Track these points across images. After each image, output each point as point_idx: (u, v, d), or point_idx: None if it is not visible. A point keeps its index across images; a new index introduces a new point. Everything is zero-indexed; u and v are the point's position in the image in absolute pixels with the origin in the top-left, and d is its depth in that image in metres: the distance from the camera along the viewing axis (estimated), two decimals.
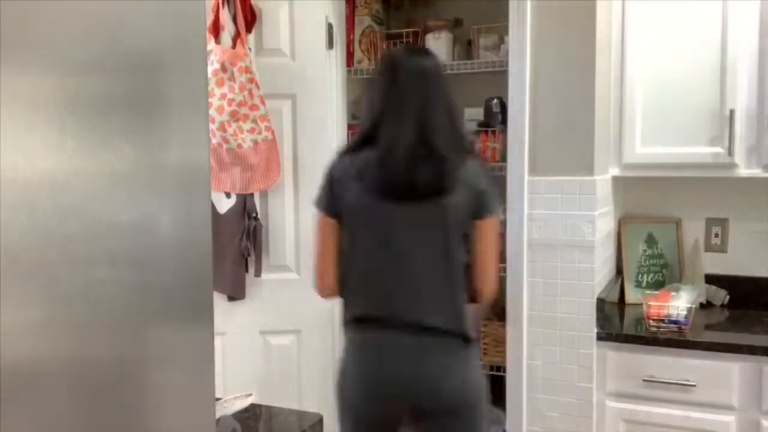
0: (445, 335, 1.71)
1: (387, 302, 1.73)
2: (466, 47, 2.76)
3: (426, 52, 1.88)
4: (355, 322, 1.77)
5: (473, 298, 1.75)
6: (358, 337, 1.78)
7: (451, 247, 1.70)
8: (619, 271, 2.64)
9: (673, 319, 2.18)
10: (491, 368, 2.59)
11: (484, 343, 2.58)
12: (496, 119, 2.55)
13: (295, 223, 2.46)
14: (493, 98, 2.58)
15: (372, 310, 1.75)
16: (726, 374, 2.08)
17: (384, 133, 1.72)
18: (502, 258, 2.45)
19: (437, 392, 1.70)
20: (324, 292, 1.85)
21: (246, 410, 1.53)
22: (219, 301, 2.41)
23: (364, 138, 1.77)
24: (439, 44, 2.67)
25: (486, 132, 2.59)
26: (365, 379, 1.73)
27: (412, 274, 1.71)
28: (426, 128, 1.70)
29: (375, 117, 1.75)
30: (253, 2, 2.37)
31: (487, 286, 1.75)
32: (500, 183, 2.37)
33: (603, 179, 2.30)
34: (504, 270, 2.36)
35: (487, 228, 1.73)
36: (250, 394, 1.55)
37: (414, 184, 1.67)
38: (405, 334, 1.71)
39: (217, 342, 2.42)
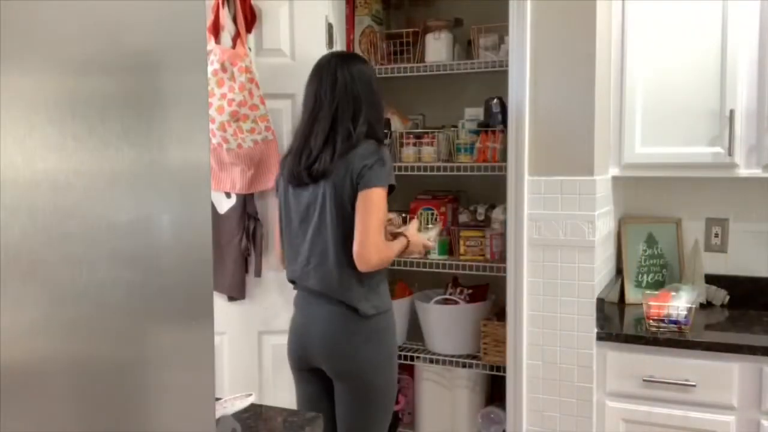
0: (330, 303, 2.01)
1: (294, 270, 2.09)
2: (466, 47, 2.76)
3: (350, 57, 2.13)
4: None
5: (357, 263, 1.95)
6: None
7: (330, 221, 1.98)
8: (619, 271, 2.64)
9: (673, 319, 2.18)
10: (491, 368, 2.59)
11: (485, 343, 2.59)
12: (496, 119, 2.55)
13: None
14: (493, 98, 2.58)
15: (291, 276, 2.13)
16: (726, 374, 2.08)
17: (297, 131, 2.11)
18: (502, 258, 2.45)
19: (321, 354, 2.03)
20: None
21: (246, 410, 1.53)
22: (219, 301, 2.41)
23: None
24: (439, 44, 2.67)
25: (486, 132, 2.59)
26: (290, 331, 2.15)
27: (304, 245, 2.05)
28: (313, 130, 2.02)
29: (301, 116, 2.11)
30: (253, 2, 2.37)
31: (366, 249, 1.94)
32: (500, 183, 2.38)
33: (603, 179, 2.30)
34: (504, 270, 2.36)
35: (364, 198, 1.95)
36: (250, 394, 1.55)
37: (301, 172, 2.02)
38: (306, 298, 2.09)
39: (217, 342, 2.42)
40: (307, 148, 2.02)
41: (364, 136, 2.01)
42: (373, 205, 1.95)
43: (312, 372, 2.10)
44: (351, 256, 1.95)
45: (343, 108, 2.01)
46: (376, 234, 1.95)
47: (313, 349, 2.05)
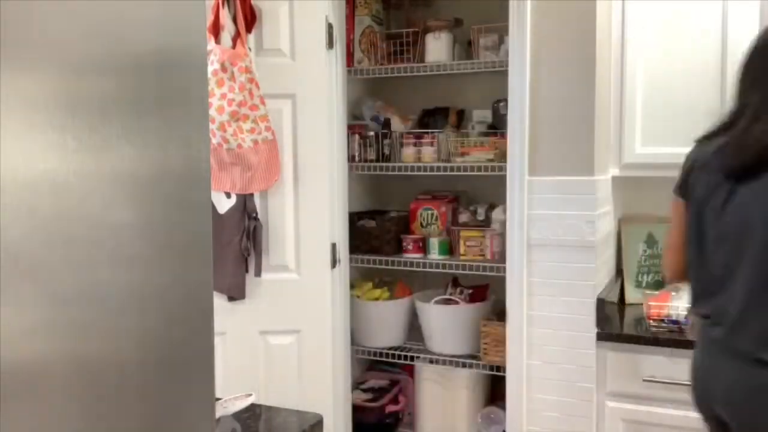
0: None
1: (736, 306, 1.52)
2: (466, 47, 2.76)
3: None
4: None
5: None
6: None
7: None
8: (619, 271, 2.64)
9: (673, 319, 2.18)
10: (491, 368, 2.59)
11: (485, 343, 2.59)
12: (504, 121, 2.55)
13: (295, 223, 2.45)
14: (500, 100, 2.58)
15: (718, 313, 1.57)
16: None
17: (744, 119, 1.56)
18: (502, 258, 2.45)
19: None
20: (672, 279, 1.83)
21: (246, 410, 1.53)
22: (219, 301, 2.41)
23: (723, 124, 1.64)
24: (439, 44, 2.67)
25: (495, 134, 2.59)
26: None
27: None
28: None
29: (741, 104, 1.60)
30: (253, 2, 2.37)
31: None
32: (500, 183, 2.38)
33: (603, 179, 2.30)
34: (504, 270, 2.36)
35: None
36: (250, 394, 1.55)
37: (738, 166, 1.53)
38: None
39: (217, 342, 2.42)
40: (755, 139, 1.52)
41: None
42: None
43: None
44: None
45: None
46: None
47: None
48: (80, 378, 0.71)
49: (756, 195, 1.50)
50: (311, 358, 2.49)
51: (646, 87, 2.34)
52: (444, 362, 2.67)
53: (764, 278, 1.47)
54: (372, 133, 2.80)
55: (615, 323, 2.34)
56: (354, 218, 2.75)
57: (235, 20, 2.32)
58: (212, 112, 2.25)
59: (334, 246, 2.51)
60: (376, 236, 2.79)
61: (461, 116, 2.86)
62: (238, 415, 1.52)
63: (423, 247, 2.73)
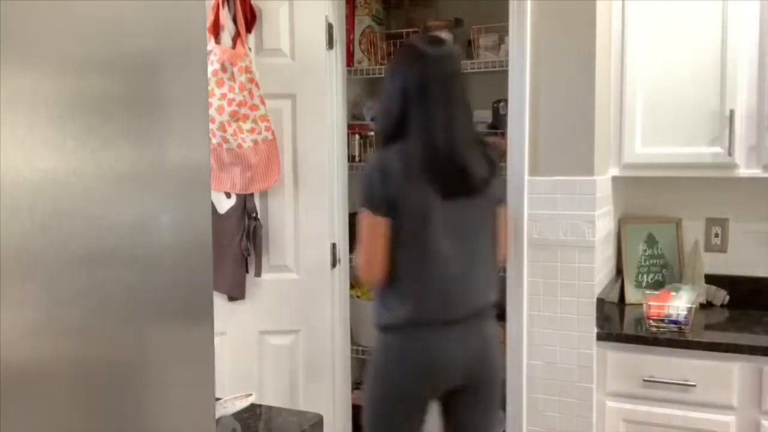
0: (491, 312, 1.93)
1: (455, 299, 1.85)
2: (466, 47, 2.76)
3: (443, 42, 1.95)
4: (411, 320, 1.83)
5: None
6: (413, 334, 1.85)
7: (494, 235, 1.92)
8: (619, 271, 2.64)
9: (673, 319, 2.18)
10: None
11: None
12: (504, 121, 2.55)
13: (295, 223, 2.46)
14: (500, 100, 2.59)
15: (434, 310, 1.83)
16: (726, 374, 2.08)
17: (422, 128, 1.78)
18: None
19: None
20: (370, 283, 1.92)
21: (246, 410, 1.53)
22: (219, 301, 2.41)
23: (393, 131, 1.83)
24: None
25: (495, 134, 2.59)
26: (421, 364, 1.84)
27: (474, 267, 1.86)
28: (462, 125, 1.81)
29: (402, 110, 1.80)
30: (253, 2, 2.37)
31: (504, 253, 2.07)
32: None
33: (603, 179, 2.30)
34: (504, 270, 2.36)
35: (504, 211, 2.03)
36: (250, 394, 1.55)
37: (469, 178, 1.81)
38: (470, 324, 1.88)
39: (217, 342, 2.42)
40: (456, 152, 1.80)
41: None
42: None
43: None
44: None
45: (465, 102, 1.87)
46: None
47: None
48: (80, 378, 0.71)
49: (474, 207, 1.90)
50: (311, 358, 2.49)
51: (646, 87, 2.34)
52: None
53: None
54: (372, 133, 2.80)
55: (615, 323, 2.34)
56: (354, 218, 2.75)
57: (235, 20, 2.32)
58: (212, 112, 2.25)
59: (334, 246, 2.51)
60: None
61: None
62: (238, 415, 1.52)
63: None
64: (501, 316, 2.50)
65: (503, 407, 2.16)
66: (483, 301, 1.89)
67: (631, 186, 2.65)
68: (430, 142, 1.77)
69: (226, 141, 2.31)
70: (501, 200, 2.00)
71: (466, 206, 1.83)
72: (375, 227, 1.80)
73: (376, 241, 1.80)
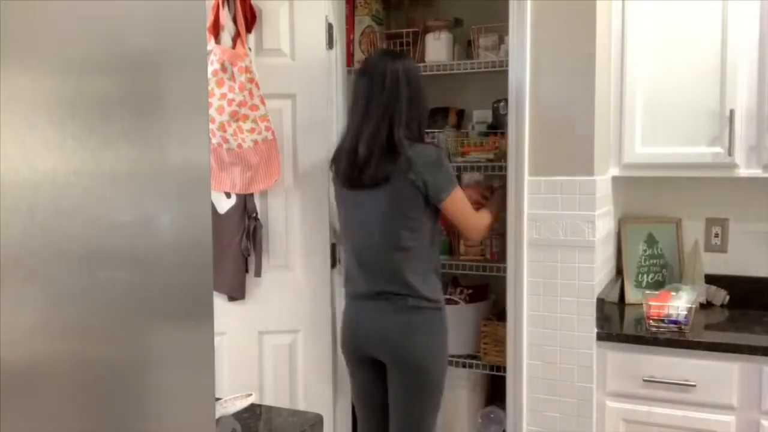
0: (395, 298, 2.11)
1: (359, 274, 2.17)
2: (466, 47, 2.76)
3: (395, 55, 2.18)
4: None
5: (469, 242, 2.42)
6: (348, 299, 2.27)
7: (393, 226, 2.07)
8: (619, 271, 2.64)
9: (673, 319, 2.18)
10: (491, 368, 2.59)
11: (484, 343, 2.59)
12: (504, 121, 2.55)
13: (295, 223, 2.45)
14: (500, 100, 2.58)
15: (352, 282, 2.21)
16: (726, 374, 2.08)
17: (347, 131, 2.16)
18: (502, 258, 2.46)
19: (384, 346, 2.13)
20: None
21: (246, 410, 1.53)
22: (219, 301, 2.41)
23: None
24: (439, 44, 2.67)
25: (495, 134, 2.59)
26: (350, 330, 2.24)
27: (369, 251, 2.13)
28: (366, 132, 2.07)
29: (349, 116, 2.20)
30: (253, 2, 2.37)
31: (471, 234, 2.22)
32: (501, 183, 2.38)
33: (603, 179, 2.30)
34: (504, 270, 2.36)
35: (449, 206, 2.10)
36: (250, 394, 1.55)
37: (360, 176, 2.09)
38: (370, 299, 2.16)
39: (217, 342, 2.42)
40: (360, 150, 2.06)
41: (416, 138, 2.09)
42: (460, 205, 2.12)
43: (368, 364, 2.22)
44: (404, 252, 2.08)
45: (394, 108, 2.05)
46: (475, 220, 2.18)
47: (370, 344, 2.16)
48: (80, 378, 0.71)
49: (372, 198, 2.14)
50: (311, 358, 2.49)
51: (646, 87, 2.34)
52: None
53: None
54: None
55: (615, 323, 2.34)
56: None
57: (235, 20, 2.32)
58: (212, 112, 2.25)
59: (334, 246, 2.51)
60: None
61: (461, 116, 2.87)
62: (238, 415, 1.52)
63: None
64: (501, 316, 2.51)
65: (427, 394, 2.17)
66: (381, 286, 2.11)
67: (631, 186, 2.65)
68: (340, 144, 2.19)
69: (226, 141, 2.31)
70: (432, 198, 2.08)
71: (366, 198, 2.10)
72: None
73: None
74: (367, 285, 2.14)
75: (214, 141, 2.31)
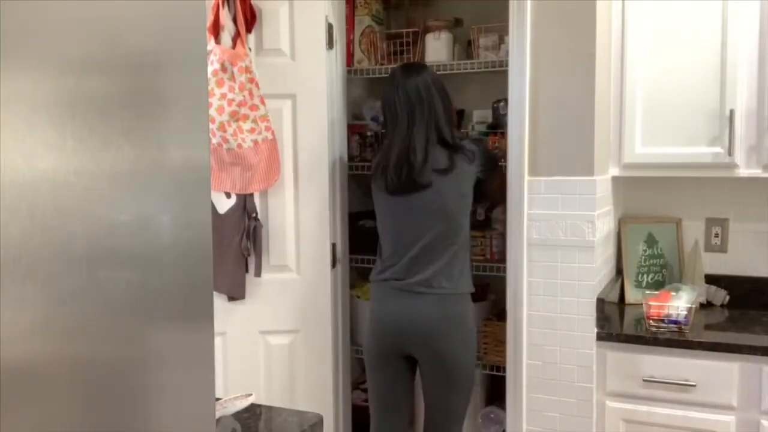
0: (441, 290, 2.17)
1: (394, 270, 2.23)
2: (466, 47, 2.76)
3: (420, 68, 2.28)
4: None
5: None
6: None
7: (454, 216, 2.18)
8: (619, 271, 2.64)
9: (673, 319, 2.18)
10: (491, 368, 2.59)
11: (485, 343, 2.58)
12: (504, 121, 2.55)
13: (295, 223, 2.45)
14: (500, 100, 2.59)
15: (390, 276, 2.24)
16: (726, 374, 2.08)
17: (392, 143, 2.22)
18: (502, 258, 2.46)
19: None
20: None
21: (246, 410, 1.53)
22: (219, 301, 2.41)
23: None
24: (439, 44, 2.67)
25: (495, 134, 2.59)
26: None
27: (421, 248, 2.19)
28: (417, 138, 2.18)
29: (390, 131, 2.26)
30: (253, 2, 2.37)
31: (496, 201, 2.46)
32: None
33: (603, 179, 2.30)
34: (504, 270, 2.36)
35: (488, 180, 2.27)
36: (250, 394, 1.55)
37: (416, 179, 2.17)
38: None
39: (217, 342, 2.42)
40: (416, 156, 2.16)
41: (451, 139, 2.21)
42: (497, 179, 2.32)
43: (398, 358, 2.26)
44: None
45: (436, 115, 2.20)
46: (500, 191, 2.35)
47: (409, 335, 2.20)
48: (80, 378, 0.71)
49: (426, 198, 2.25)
50: (311, 358, 2.49)
51: (646, 87, 2.34)
52: None
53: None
54: (372, 133, 2.80)
55: (615, 323, 2.34)
56: (354, 218, 2.75)
57: (235, 20, 2.32)
58: (212, 112, 2.25)
59: (334, 246, 2.51)
60: (376, 236, 2.78)
61: (461, 116, 2.87)
62: (238, 415, 1.52)
63: None
64: (501, 316, 2.51)
65: (464, 392, 2.23)
66: (429, 279, 2.16)
67: (631, 186, 2.65)
68: (384, 156, 2.23)
69: (226, 141, 2.31)
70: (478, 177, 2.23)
71: (419, 199, 2.18)
72: None
73: None
74: (412, 279, 2.18)
75: (214, 141, 2.31)
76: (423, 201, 2.17)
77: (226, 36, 2.31)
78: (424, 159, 2.15)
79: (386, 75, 2.73)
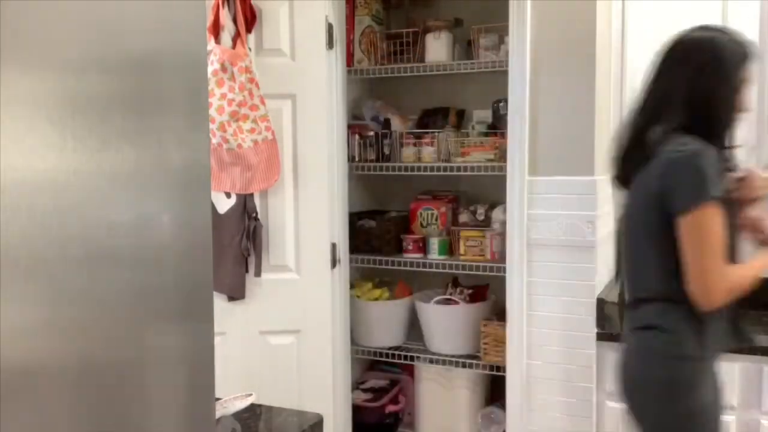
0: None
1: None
2: (466, 47, 2.76)
3: (703, 27, 1.67)
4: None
5: (700, 305, 1.56)
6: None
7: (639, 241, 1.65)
8: (619, 271, 2.63)
9: None
10: (491, 368, 2.59)
11: (485, 343, 2.59)
12: (504, 121, 2.55)
13: (295, 223, 2.45)
14: (500, 100, 2.58)
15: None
16: (726, 374, 2.07)
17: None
18: (502, 258, 2.45)
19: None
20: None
21: (246, 410, 1.53)
22: (219, 301, 2.41)
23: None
24: (439, 44, 2.67)
25: (495, 134, 2.59)
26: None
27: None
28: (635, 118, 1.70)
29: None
30: (253, 2, 2.37)
31: (693, 287, 1.54)
32: (500, 183, 2.38)
33: (603, 179, 2.30)
34: (504, 270, 2.36)
35: (679, 227, 1.54)
36: (250, 394, 1.55)
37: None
38: None
39: (217, 342, 2.41)
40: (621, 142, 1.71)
41: (686, 131, 1.56)
42: (692, 235, 1.52)
43: None
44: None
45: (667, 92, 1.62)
46: (702, 272, 1.53)
47: None
48: (80, 378, 0.71)
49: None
50: (311, 358, 2.49)
51: None
52: (444, 362, 2.67)
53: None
54: (372, 133, 2.80)
55: (615, 323, 2.33)
56: (354, 218, 2.75)
57: (235, 20, 2.32)
58: (212, 112, 2.25)
59: (334, 246, 2.51)
60: (376, 236, 2.79)
61: (461, 116, 2.87)
62: (238, 415, 1.52)
63: (423, 247, 2.73)
64: (501, 316, 2.51)
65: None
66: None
67: None
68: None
69: (226, 141, 2.31)
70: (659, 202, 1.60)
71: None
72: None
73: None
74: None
75: (214, 141, 2.31)
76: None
77: (226, 36, 2.31)
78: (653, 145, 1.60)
79: (386, 75, 2.74)
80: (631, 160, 1.66)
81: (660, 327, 1.61)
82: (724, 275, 1.55)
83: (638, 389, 1.66)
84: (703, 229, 1.51)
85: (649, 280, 1.64)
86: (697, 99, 1.59)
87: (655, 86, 1.66)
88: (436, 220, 2.73)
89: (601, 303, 2.24)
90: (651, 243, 1.61)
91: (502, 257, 2.49)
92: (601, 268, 2.33)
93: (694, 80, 1.59)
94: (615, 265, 1.81)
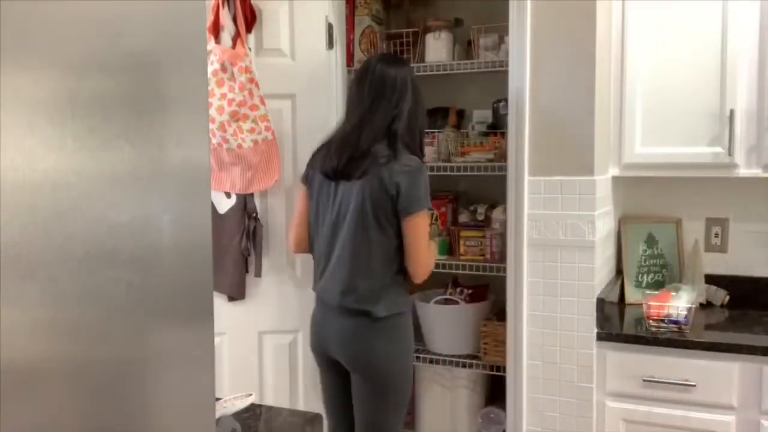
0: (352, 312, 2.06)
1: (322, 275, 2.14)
2: (466, 47, 2.76)
3: (396, 61, 2.15)
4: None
5: (415, 280, 2.09)
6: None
7: (362, 227, 2.01)
8: (619, 271, 2.64)
9: (673, 319, 2.18)
10: (491, 368, 2.59)
11: (484, 343, 2.59)
12: (504, 121, 2.55)
13: None
14: (500, 100, 2.59)
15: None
16: (726, 374, 2.08)
17: (344, 124, 2.12)
18: (502, 258, 2.46)
19: (345, 352, 2.08)
20: (296, 251, 2.29)
21: (246, 410, 1.53)
22: (219, 301, 2.41)
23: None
24: (439, 44, 2.67)
25: (495, 134, 2.59)
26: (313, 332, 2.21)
27: (337, 250, 2.08)
28: (357, 127, 2.04)
29: (348, 112, 2.13)
30: (253, 2, 2.37)
31: (418, 269, 2.06)
32: (500, 183, 2.38)
33: (603, 179, 2.30)
34: (504, 270, 2.36)
35: (410, 225, 2.01)
36: (250, 394, 1.55)
37: (334, 169, 2.06)
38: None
39: (217, 342, 2.42)
40: (361, 142, 2.02)
41: (405, 147, 2.03)
42: (422, 230, 2.04)
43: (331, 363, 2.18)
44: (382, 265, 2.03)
45: (387, 111, 2.03)
46: (427, 256, 2.07)
47: (329, 348, 2.13)
48: (80, 378, 0.71)
49: (348, 192, 2.03)
50: (311, 358, 2.48)
51: (646, 87, 2.34)
52: (444, 362, 2.67)
53: (349, 251, 2.04)
54: None
55: (615, 323, 2.34)
56: None
57: (235, 20, 2.32)
58: (212, 112, 2.25)
59: None
60: None
61: (461, 116, 2.87)
62: (238, 415, 1.52)
63: None
64: (500, 316, 2.51)
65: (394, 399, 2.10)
66: (340, 291, 2.06)
67: (631, 186, 2.65)
68: (332, 137, 2.11)
69: (226, 141, 2.31)
70: (394, 203, 2.00)
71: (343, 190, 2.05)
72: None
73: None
74: (327, 292, 2.12)
75: (214, 141, 2.31)
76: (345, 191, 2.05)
77: (226, 36, 2.31)
78: (365, 151, 2.01)
79: None
80: (357, 164, 2.01)
81: (381, 299, 2.03)
82: (431, 257, 2.12)
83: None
84: (420, 227, 2.02)
85: (373, 262, 2.04)
86: (413, 125, 2.08)
87: (377, 113, 2.04)
88: (436, 220, 2.73)
89: (601, 303, 2.25)
90: (377, 232, 2.01)
91: (502, 257, 2.49)
92: (601, 268, 2.33)
93: (411, 110, 2.07)
94: (326, 248, 2.12)
